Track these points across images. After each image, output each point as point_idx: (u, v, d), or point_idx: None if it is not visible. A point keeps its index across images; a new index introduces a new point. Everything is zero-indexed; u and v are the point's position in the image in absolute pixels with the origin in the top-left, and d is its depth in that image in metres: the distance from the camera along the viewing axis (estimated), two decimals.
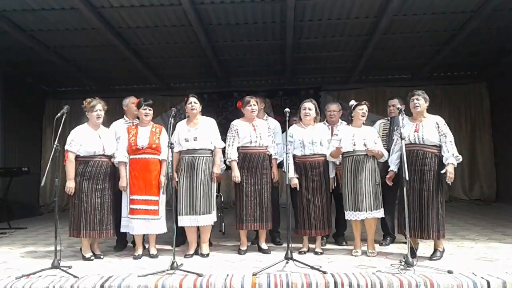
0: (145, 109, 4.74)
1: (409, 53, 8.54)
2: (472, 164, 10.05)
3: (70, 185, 4.47)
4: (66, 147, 4.50)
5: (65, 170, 4.51)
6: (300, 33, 7.37)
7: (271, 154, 4.88)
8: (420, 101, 4.36)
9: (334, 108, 5.27)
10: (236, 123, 4.88)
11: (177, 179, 4.67)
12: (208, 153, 4.72)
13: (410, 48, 8.23)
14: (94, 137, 4.58)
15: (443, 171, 4.18)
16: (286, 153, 4.41)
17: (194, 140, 4.66)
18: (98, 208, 4.52)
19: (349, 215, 4.54)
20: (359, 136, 4.55)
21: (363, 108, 4.62)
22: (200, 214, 4.57)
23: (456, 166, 4.22)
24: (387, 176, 4.50)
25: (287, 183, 4.32)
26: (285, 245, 4.12)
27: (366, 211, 4.46)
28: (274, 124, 5.35)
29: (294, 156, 4.71)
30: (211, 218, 4.64)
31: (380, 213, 4.52)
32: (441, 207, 4.25)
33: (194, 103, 4.74)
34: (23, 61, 8.36)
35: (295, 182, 4.60)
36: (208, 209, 4.61)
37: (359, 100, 4.78)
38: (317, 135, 4.69)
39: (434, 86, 9.97)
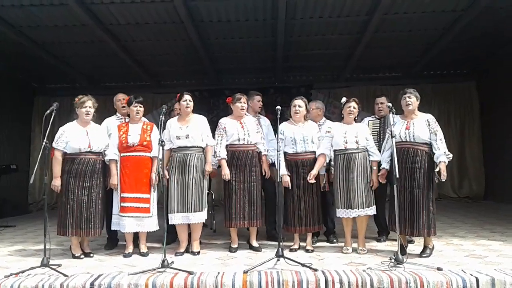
0: (136, 106, 4.72)
1: (400, 52, 8.58)
2: (461, 162, 10.14)
3: (56, 183, 4.43)
4: (53, 144, 4.46)
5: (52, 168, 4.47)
6: (292, 31, 7.36)
7: (260, 151, 4.88)
8: (412, 99, 4.38)
9: (311, 106, 5.25)
10: (224, 121, 4.88)
11: (167, 177, 4.65)
12: (199, 151, 4.71)
13: (401, 47, 8.27)
14: (81, 134, 4.52)
15: (436, 170, 4.21)
16: (278, 151, 4.41)
17: (186, 138, 4.64)
18: (85, 206, 4.46)
19: (341, 212, 4.56)
20: (350, 133, 4.57)
21: (351, 106, 4.65)
22: (192, 212, 4.56)
23: (447, 163, 4.27)
24: (379, 174, 4.51)
25: (278, 180, 4.32)
26: (276, 242, 4.13)
27: (358, 209, 4.48)
28: (267, 121, 5.34)
29: (285, 154, 4.71)
30: (202, 215, 4.64)
31: (372, 211, 4.54)
32: (432, 205, 4.28)
33: (189, 101, 4.72)
34: (12, 57, 8.25)
35: (286, 180, 4.61)
36: (200, 207, 4.60)
37: (350, 98, 4.79)
38: (309, 132, 4.70)
39: (424, 85, 10.02)
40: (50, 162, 4.48)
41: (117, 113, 5.23)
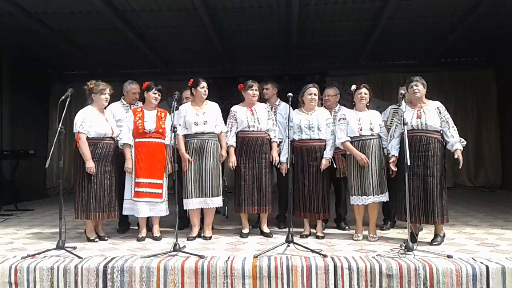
0: (155, 93, 4.78)
1: (416, 39, 8.42)
2: (478, 150, 10.00)
3: (90, 165, 4.44)
4: (77, 128, 4.48)
5: (81, 152, 4.46)
6: (306, 18, 7.28)
7: (271, 138, 4.90)
8: (419, 87, 4.35)
9: (330, 92, 5.31)
10: (235, 109, 4.92)
11: (191, 159, 4.65)
12: (215, 137, 4.77)
13: (417, 34, 8.11)
14: (102, 119, 4.63)
15: (455, 157, 4.21)
16: (288, 137, 4.44)
17: (204, 123, 4.70)
18: (107, 189, 4.59)
19: (356, 200, 4.56)
20: (365, 120, 4.56)
21: (361, 92, 4.62)
22: (210, 196, 4.65)
23: (462, 150, 4.27)
24: (390, 161, 4.46)
25: (278, 166, 4.36)
26: (286, 229, 4.16)
27: (373, 195, 4.49)
28: (287, 108, 5.32)
29: (293, 141, 4.71)
30: (219, 200, 4.73)
31: (385, 197, 4.55)
32: (445, 192, 4.28)
33: (206, 88, 4.78)
34: (29, 44, 8.36)
35: (283, 167, 4.67)
36: (217, 191, 4.70)
37: (360, 84, 4.76)
38: (315, 120, 4.69)
39: (441, 72, 9.90)
40: (66, 147, 4.53)
41: (122, 99, 5.26)
